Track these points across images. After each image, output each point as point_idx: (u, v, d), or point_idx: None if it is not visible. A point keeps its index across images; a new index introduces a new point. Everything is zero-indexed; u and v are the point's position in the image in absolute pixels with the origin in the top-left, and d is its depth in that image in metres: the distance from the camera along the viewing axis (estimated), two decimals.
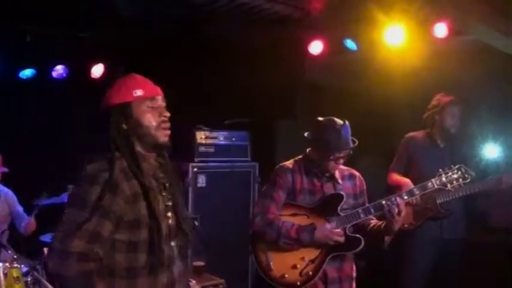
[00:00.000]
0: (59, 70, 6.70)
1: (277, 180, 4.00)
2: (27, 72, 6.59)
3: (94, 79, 6.74)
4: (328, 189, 3.99)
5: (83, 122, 6.36)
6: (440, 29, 5.44)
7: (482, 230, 5.93)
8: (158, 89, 2.77)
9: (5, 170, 5.56)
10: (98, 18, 5.99)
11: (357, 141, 3.92)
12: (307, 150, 4.09)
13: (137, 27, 6.18)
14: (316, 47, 6.35)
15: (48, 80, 6.67)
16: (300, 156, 4.12)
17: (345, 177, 4.08)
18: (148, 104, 2.68)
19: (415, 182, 4.95)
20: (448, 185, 4.22)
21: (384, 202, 3.88)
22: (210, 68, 6.59)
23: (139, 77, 2.76)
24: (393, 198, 3.90)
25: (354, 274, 4.08)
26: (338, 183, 4.02)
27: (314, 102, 7.06)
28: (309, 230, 3.87)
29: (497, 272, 5.61)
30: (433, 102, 5.21)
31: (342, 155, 3.90)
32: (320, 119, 3.99)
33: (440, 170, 4.27)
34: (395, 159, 5.32)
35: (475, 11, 5.24)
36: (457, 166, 4.24)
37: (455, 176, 4.23)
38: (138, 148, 2.68)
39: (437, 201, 4.90)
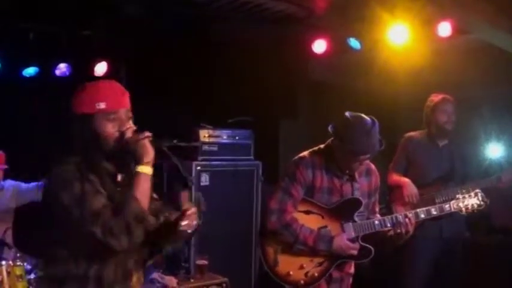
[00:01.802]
0: (62, 68, 6.68)
1: (297, 174, 3.85)
2: (30, 71, 6.58)
3: (97, 77, 6.72)
4: (347, 189, 3.89)
5: None
6: (444, 28, 5.44)
7: (483, 229, 5.93)
8: (123, 101, 2.80)
9: (5, 167, 5.55)
10: (101, 17, 5.99)
11: (384, 143, 3.81)
12: (330, 140, 3.91)
13: (140, 25, 6.17)
14: (319, 46, 6.34)
15: (51, 78, 6.65)
16: (322, 147, 3.96)
17: (363, 173, 3.97)
18: (110, 117, 2.71)
19: (414, 181, 4.97)
20: (463, 210, 4.22)
21: (401, 219, 3.84)
22: (214, 66, 6.59)
23: (105, 87, 2.78)
24: (411, 215, 3.90)
25: (353, 270, 4.07)
26: (356, 181, 3.92)
27: (317, 101, 7.07)
28: (327, 240, 3.79)
29: (497, 271, 5.62)
30: (427, 102, 5.23)
31: (367, 156, 3.81)
32: (348, 115, 3.78)
33: (459, 192, 4.26)
34: (395, 159, 5.33)
35: (479, 10, 5.23)
36: (475, 191, 4.24)
37: (472, 201, 4.23)
38: (97, 155, 2.72)
39: (436, 201, 4.89)
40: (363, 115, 3.80)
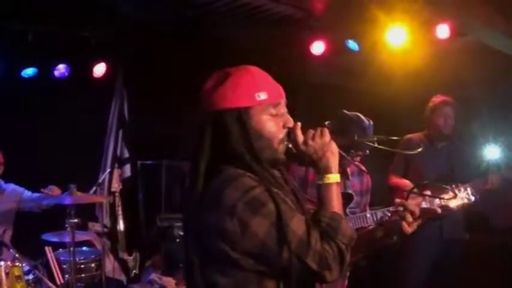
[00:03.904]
0: (61, 69, 6.69)
1: (290, 171, 3.87)
2: (29, 71, 6.58)
3: (96, 78, 6.73)
4: (339, 185, 3.93)
5: (85, 121, 6.38)
6: (443, 30, 5.45)
7: (482, 230, 5.94)
8: (282, 90, 2.19)
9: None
10: (100, 18, 5.99)
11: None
12: None
13: (139, 26, 6.18)
14: (318, 48, 6.34)
15: (50, 79, 6.66)
16: None
17: (354, 173, 4.04)
18: (272, 112, 2.11)
19: (414, 183, 4.96)
20: (453, 203, 4.24)
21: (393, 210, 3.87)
22: (212, 67, 6.57)
23: (260, 73, 2.17)
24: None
25: (347, 272, 4.07)
26: (348, 179, 3.97)
27: (315, 102, 7.06)
28: None
29: (497, 272, 5.62)
30: (429, 103, 5.23)
31: (359, 153, 3.86)
32: (346, 112, 3.89)
33: (448, 187, 4.28)
34: (394, 161, 5.34)
35: (477, 11, 5.24)
36: (464, 185, 4.26)
37: (461, 195, 4.25)
38: (264, 161, 2.11)
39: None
40: (360, 114, 3.90)
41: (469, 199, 4.26)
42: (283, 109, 2.16)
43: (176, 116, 6.53)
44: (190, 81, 6.62)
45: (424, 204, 4.15)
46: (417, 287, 5.17)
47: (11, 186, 5.61)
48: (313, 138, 2.13)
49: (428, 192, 2.65)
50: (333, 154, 2.15)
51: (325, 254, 1.97)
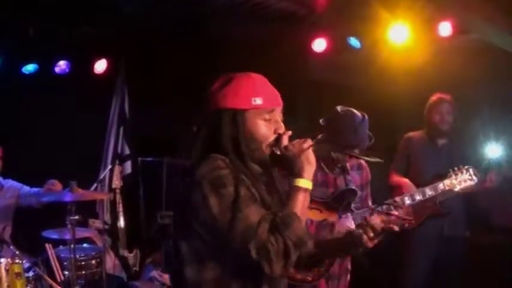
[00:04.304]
0: (61, 65, 6.69)
1: None
2: (29, 68, 6.58)
3: (97, 75, 6.72)
4: (340, 181, 3.94)
5: (85, 117, 6.38)
6: (445, 28, 5.44)
7: (483, 228, 5.93)
8: (279, 98, 2.39)
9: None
10: (101, 14, 5.98)
11: (373, 138, 3.85)
12: (320, 136, 3.94)
13: (141, 23, 6.16)
14: (319, 45, 6.33)
15: (50, 76, 6.65)
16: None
17: (354, 167, 4.04)
18: (266, 117, 2.32)
19: (414, 181, 4.98)
20: (457, 187, 4.26)
21: (398, 201, 3.89)
22: (213, 64, 6.57)
23: (260, 80, 2.39)
24: (406, 198, 3.95)
25: (350, 267, 4.08)
26: (348, 174, 3.97)
27: (317, 100, 7.04)
28: (328, 227, 3.83)
29: (498, 270, 5.61)
30: (428, 101, 5.23)
31: (355, 151, 3.84)
32: (339, 109, 3.86)
33: (450, 170, 4.30)
34: (395, 159, 5.35)
35: (479, 9, 5.22)
36: (465, 167, 4.28)
37: (464, 177, 4.25)
38: (249, 161, 2.32)
39: (437, 200, 4.89)
40: (354, 110, 3.85)
41: (471, 179, 4.29)
42: (277, 116, 2.36)
43: (177, 113, 6.52)
44: (192, 78, 6.64)
45: (429, 191, 4.19)
46: (417, 285, 5.16)
47: (9, 182, 5.60)
48: (293, 144, 2.31)
49: (395, 212, 2.88)
50: (308, 162, 2.30)
51: (268, 246, 2.10)
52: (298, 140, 2.33)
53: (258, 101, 2.31)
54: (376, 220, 2.47)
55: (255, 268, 2.15)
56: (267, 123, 2.33)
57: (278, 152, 2.33)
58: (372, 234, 2.42)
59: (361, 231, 2.43)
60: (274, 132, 2.34)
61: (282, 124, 2.36)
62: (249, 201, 2.18)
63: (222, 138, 2.29)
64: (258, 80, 2.38)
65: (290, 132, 2.35)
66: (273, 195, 2.39)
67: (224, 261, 2.24)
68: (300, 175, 2.29)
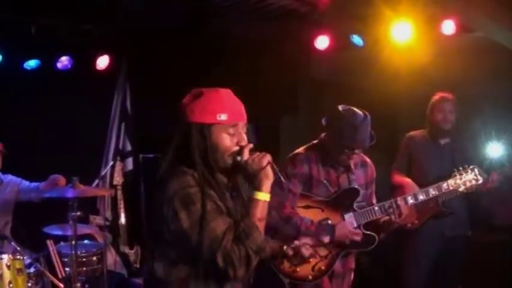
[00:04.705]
0: (63, 61, 6.67)
1: (294, 170, 3.90)
2: (31, 63, 6.56)
3: (99, 71, 6.71)
4: (343, 180, 3.94)
5: (87, 113, 6.37)
6: (448, 26, 5.43)
7: (485, 228, 5.93)
8: (242, 113, 2.62)
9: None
10: (104, 10, 5.97)
11: (375, 137, 3.84)
12: (323, 135, 3.98)
13: (143, 19, 6.16)
14: (322, 42, 6.32)
15: (52, 71, 6.64)
16: (315, 142, 4.02)
17: (358, 164, 4.03)
18: (230, 131, 2.56)
19: (416, 181, 4.97)
20: (462, 187, 4.25)
21: (399, 202, 3.87)
22: (215, 61, 6.57)
23: (226, 97, 2.61)
24: (409, 197, 3.94)
25: (354, 265, 4.08)
26: (352, 173, 3.96)
27: (319, 97, 7.05)
28: (329, 229, 3.82)
29: (499, 270, 5.61)
30: (430, 100, 5.23)
31: (355, 151, 3.84)
32: (340, 108, 3.85)
33: (455, 170, 4.29)
34: (397, 159, 5.34)
35: (482, 6, 5.21)
36: (470, 167, 4.26)
37: (468, 177, 4.24)
38: (214, 168, 2.57)
39: (439, 200, 4.88)
40: (355, 109, 3.84)
41: (476, 179, 4.28)
42: (240, 129, 2.59)
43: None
44: (193, 75, 6.63)
45: (432, 191, 4.18)
46: (419, 284, 5.16)
47: (9, 177, 5.59)
48: (253, 159, 2.52)
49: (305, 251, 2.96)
50: (266, 177, 2.53)
51: (232, 255, 2.39)
52: (258, 154, 2.54)
53: (223, 117, 2.53)
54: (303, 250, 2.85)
55: (219, 271, 2.43)
56: (231, 137, 2.56)
57: (239, 161, 2.55)
58: (294, 262, 2.84)
59: (288, 252, 2.83)
60: (237, 144, 2.57)
61: (244, 137, 2.60)
62: (215, 214, 2.44)
63: (191, 149, 2.53)
64: (225, 96, 2.61)
65: (251, 145, 2.58)
66: (238, 201, 2.65)
67: (191, 265, 2.48)
68: (258, 189, 2.53)
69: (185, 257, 2.49)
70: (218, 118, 2.54)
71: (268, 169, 2.53)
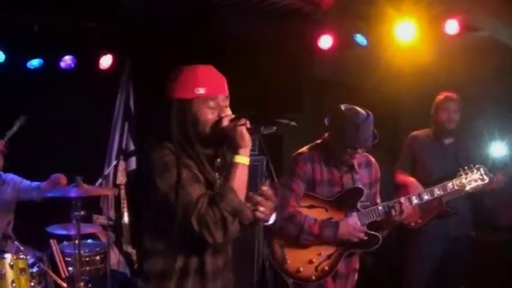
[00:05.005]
0: (67, 60, 6.68)
1: (296, 169, 3.90)
2: (34, 63, 6.57)
3: (102, 70, 6.71)
4: (347, 180, 3.93)
5: (90, 113, 6.37)
6: (452, 26, 5.41)
7: (489, 228, 5.92)
8: (222, 86, 2.71)
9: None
10: (107, 9, 5.97)
11: (378, 136, 3.83)
12: (326, 135, 3.98)
13: (146, 19, 6.15)
14: (325, 42, 6.31)
15: (56, 71, 6.64)
16: (318, 142, 4.02)
17: (362, 164, 4.02)
18: (210, 104, 2.63)
19: (420, 180, 4.96)
20: (467, 186, 4.23)
21: (403, 202, 3.87)
22: (218, 61, 6.55)
23: (203, 72, 2.69)
24: (413, 197, 3.94)
25: (358, 266, 4.07)
26: (356, 173, 3.95)
27: (322, 97, 7.04)
28: (333, 226, 3.81)
29: (503, 269, 5.60)
30: (435, 100, 5.22)
31: (358, 150, 3.83)
32: (342, 107, 3.84)
33: (460, 170, 4.28)
34: (401, 158, 5.34)
35: (486, 5, 5.20)
36: (476, 166, 4.25)
37: (474, 176, 4.23)
38: (195, 141, 2.64)
39: (443, 200, 4.88)
40: (358, 108, 3.83)
41: (482, 179, 4.26)
42: (221, 102, 2.66)
43: None
44: None
45: (437, 191, 4.18)
46: (422, 284, 5.15)
47: (10, 176, 5.59)
48: (230, 125, 2.58)
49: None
50: (242, 138, 2.56)
51: (207, 217, 2.43)
52: (236, 119, 2.61)
53: (201, 91, 2.61)
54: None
55: (198, 241, 2.49)
56: (212, 110, 2.63)
57: (219, 130, 2.61)
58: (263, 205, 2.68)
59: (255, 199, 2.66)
60: (218, 116, 2.64)
61: (225, 109, 2.67)
62: (191, 181, 2.52)
63: (172, 125, 2.61)
64: (202, 70, 2.69)
65: (231, 115, 2.65)
66: (222, 173, 2.70)
67: (171, 234, 2.56)
68: (236, 151, 2.58)
69: (165, 225, 2.56)
70: (197, 92, 2.61)
71: (243, 130, 2.57)
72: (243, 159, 2.57)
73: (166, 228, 2.56)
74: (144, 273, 2.66)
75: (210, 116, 2.62)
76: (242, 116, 2.62)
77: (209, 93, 2.62)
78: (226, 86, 2.72)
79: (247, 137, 2.58)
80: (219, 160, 2.73)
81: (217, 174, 2.70)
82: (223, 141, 2.64)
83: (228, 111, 2.68)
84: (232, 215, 2.47)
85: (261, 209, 2.63)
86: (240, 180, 2.55)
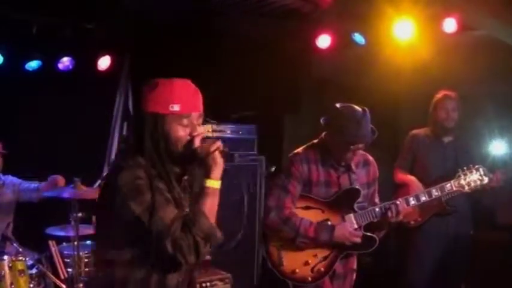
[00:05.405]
0: (65, 62, 6.66)
1: (293, 170, 3.88)
2: (33, 64, 6.56)
3: (101, 71, 6.70)
4: (344, 180, 3.91)
5: (89, 114, 6.36)
6: (450, 24, 5.41)
7: (488, 226, 5.91)
8: (197, 104, 2.68)
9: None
10: (105, 10, 5.96)
11: (376, 132, 3.82)
12: (323, 135, 3.97)
13: (144, 19, 6.15)
14: (324, 41, 6.31)
15: (54, 72, 6.64)
16: (315, 142, 4.00)
17: (360, 164, 4.00)
18: (183, 122, 2.60)
19: (419, 179, 4.97)
20: (466, 187, 4.22)
21: (400, 203, 3.86)
22: (217, 60, 6.56)
23: (180, 88, 2.65)
24: (410, 198, 3.93)
25: (355, 266, 4.06)
26: (353, 172, 3.93)
27: (321, 96, 7.03)
28: (328, 229, 3.80)
29: (503, 268, 5.60)
30: (433, 98, 5.21)
31: (360, 146, 3.82)
32: (339, 106, 3.84)
33: (459, 170, 4.27)
34: (400, 156, 5.34)
35: (484, 3, 5.19)
36: (475, 166, 4.24)
37: (473, 177, 4.21)
38: (166, 158, 2.61)
39: (443, 198, 4.87)
40: (354, 105, 3.82)
41: (482, 179, 4.25)
42: (194, 120, 2.63)
43: None
44: (195, 75, 6.61)
45: (435, 192, 4.16)
46: (422, 283, 5.15)
47: (9, 178, 5.60)
48: (202, 146, 2.59)
49: None
50: (215, 163, 2.59)
51: (181, 242, 2.46)
52: (209, 141, 2.62)
53: (176, 107, 2.58)
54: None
55: (167, 261, 2.51)
56: (184, 127, 2.61)
57: (190, 150, 2.60)
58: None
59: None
60: (190, 134, 2.62)
61: (197, 127, 2.64)
62: (163, 205, 2.51)
63: (144, 139, 2.58)
64: (179, 86, 2.64)
65: (203, 134, 2.65)
66: (192, 192, 2.71)
67: (137, 248, 2.55)
68: (207, 176, 2.59)
69: (134, 240, 2.54)
70: (171, 109, 2.58)
71: (217, 155, 2.58)
72: (214, 183, 2.59)
73: (132, 243, 2.55)
74: (104, 278, 2.66)
75: (182, 133, 2.61)
76: (215, 138, 2.69)
77: (183, 110, 2.60)
78: (201, 103, 2.70)
79: (219, 160, 2.59)
80: (186, 178, 2.72)
81: (184, 194, 2.69)
82: (193, 161, 2.64)
83: (200, 130, 2.66)
84: (204, 239, 2.51)
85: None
86: (211, 204, 2.58)
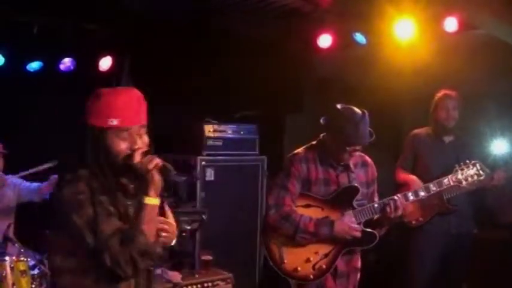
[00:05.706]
0: (66, 63, 6.68)
1: (292, 170, 3.92)
2: (34, 65, 6.57)
3: (102, 72, 6.71)
4: (343, 179, 3.94)
5: None
6: (451, 24, 5.40)
7: (490, 225, 5.91)
8: (137, 117, 2.66)
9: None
10: (106, 10, 5.97)
11: (374, 135, 3.85)
12: (322, 135, 4.01)
13: (145, 19, 6.15)
14: (325, 41, 6.30)
15: (55, 73, 6.64)
16: (314, 143, 4.04)
17: (358, 164, 4.04)
18: (123, 135, 2.61)
19: (421, 178, 4.96)
20: (463, 182, 4.22)
21: (399, 199, 3.87)
22: (218, 60, 6.57)
23: (121, 101, 2.63)
24: (409, 194, 3.93)
25: (359, 265, 4.07)
26: (352, 172, 3.97)
27: (323, 96, 7.03)
28: (328, 224, 3.83)
29: (505, 267, 5.59)
30: (434, 98, 5.21)
31: (358, 148, 3.86)
32: (339, 106, 3.88)
33: (456, 166, 4.27)
34: (402, 156, 5.35)
35: (485, 3, 5.19)
36: (472, 162, 4.24)
37: (470, 172, 4.21)
38: (108, 170, 2.63)
39: (444, 197, 4.87)
40: (354, 107, 3.86)
41: (479, 174, 4.25)
42: (135, 133, 2.62)
43: (182, 110, 6.52)
44: (196, 75, 6.63)
45: (433, 187, 4.17)
46: (425, 282, 5.15)
47: (10, 179, 5.60)
48: (142, 162, 2.58)
49: None
50: (153, 181, 2.59)
51: (118, 257, 2.49)
52: (148, 157, 2.60)
53: (115, 122, 2.58)
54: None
55: (109, 272, 2.54)
56: (123, 141, 2.61)
57: (130, 164, 2.60)
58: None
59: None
60: (130, 148, 2.62)
61: (137, 141, 2.63)
62: (104, 218, 2.53)
63: (86, 151, 2.62)
64: (121, 99, 2.63)
65: (143, 149, 2.62)
66: (119, 200, 2.67)
67: (81, 258, 2.59)
68: (145, 193, 2.59)
69: (76, 251, 2.58)
70: (110, 123, 2.58)
71: (154, 173, 2.58)
72: (152, 200, 2.59)
73: (76, 253, 2.59)
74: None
75: (123, 146, 2.61)
76: (157, 154, 2.63)
77: (122, 124, 2.60)
78: (144, 114, 2.69)
79: (157, 178, 2.59)
80: (132, 186, 2.72)
81: (130, 203, 2.70)
82: (134, 174, 2.65)
83: (144, 139, 2.67)
84: (141, 255, 2.53)
85: (164, 234, 2.71)
86: (149, 221, 2.59)
